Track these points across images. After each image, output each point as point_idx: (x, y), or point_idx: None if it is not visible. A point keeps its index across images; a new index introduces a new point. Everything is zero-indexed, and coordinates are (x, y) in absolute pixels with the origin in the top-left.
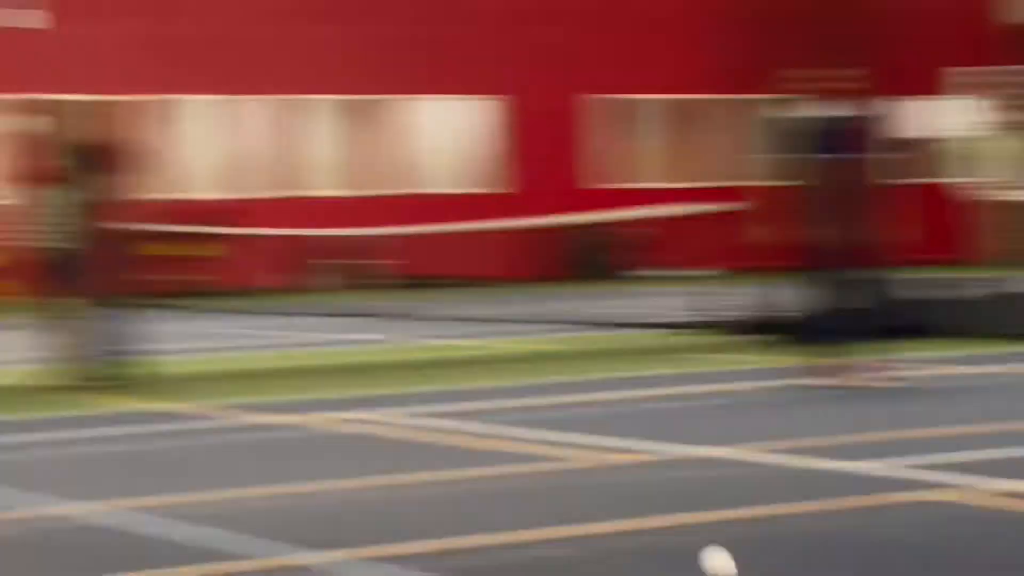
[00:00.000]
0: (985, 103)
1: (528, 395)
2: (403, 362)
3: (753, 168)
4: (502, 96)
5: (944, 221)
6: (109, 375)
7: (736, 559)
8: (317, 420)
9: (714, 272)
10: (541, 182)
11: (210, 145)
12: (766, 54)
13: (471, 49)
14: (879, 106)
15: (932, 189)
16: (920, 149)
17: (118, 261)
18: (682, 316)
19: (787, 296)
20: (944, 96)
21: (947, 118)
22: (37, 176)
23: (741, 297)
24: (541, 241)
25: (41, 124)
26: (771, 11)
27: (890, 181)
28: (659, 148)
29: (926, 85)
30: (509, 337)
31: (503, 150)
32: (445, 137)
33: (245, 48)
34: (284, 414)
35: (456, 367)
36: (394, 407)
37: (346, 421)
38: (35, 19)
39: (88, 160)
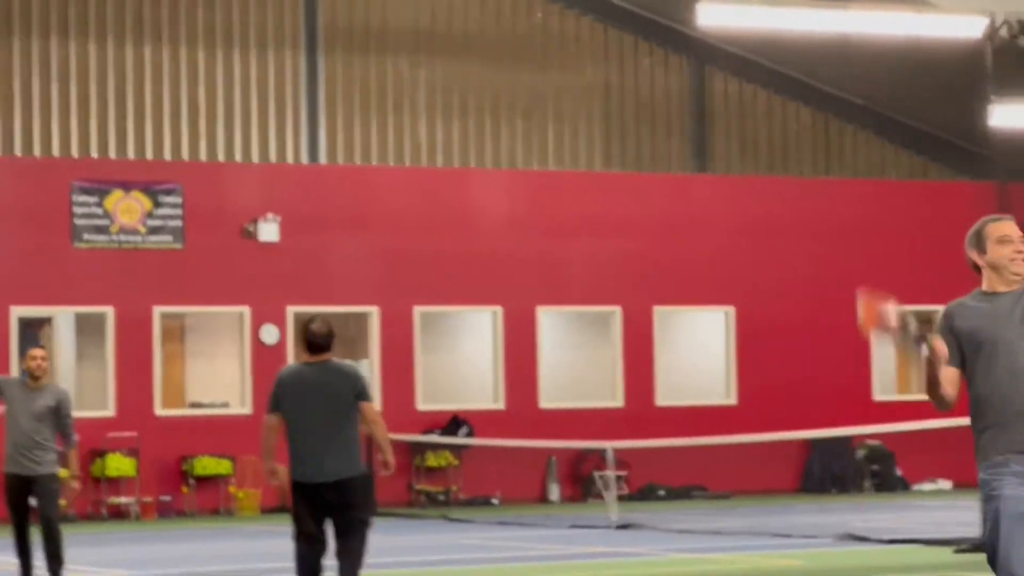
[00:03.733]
0: None
1: None
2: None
3: None
4: (740, 305)
5: None
6: None
7: None
8: None
9: (944, 485)
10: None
11: (437, 355)
12: None
13: (711, 259)
14: None
15: None
16: None
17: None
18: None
19: None
20: None
21: None
22: None
23: None
24: (779, 453)
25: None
26: None
27: None
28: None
29: None
30: (765, 551)
31: (738, 360)
32: (679, 348)
33: (471, 259)
34: None
35: None
36: None
37: None
38: (271, 232)
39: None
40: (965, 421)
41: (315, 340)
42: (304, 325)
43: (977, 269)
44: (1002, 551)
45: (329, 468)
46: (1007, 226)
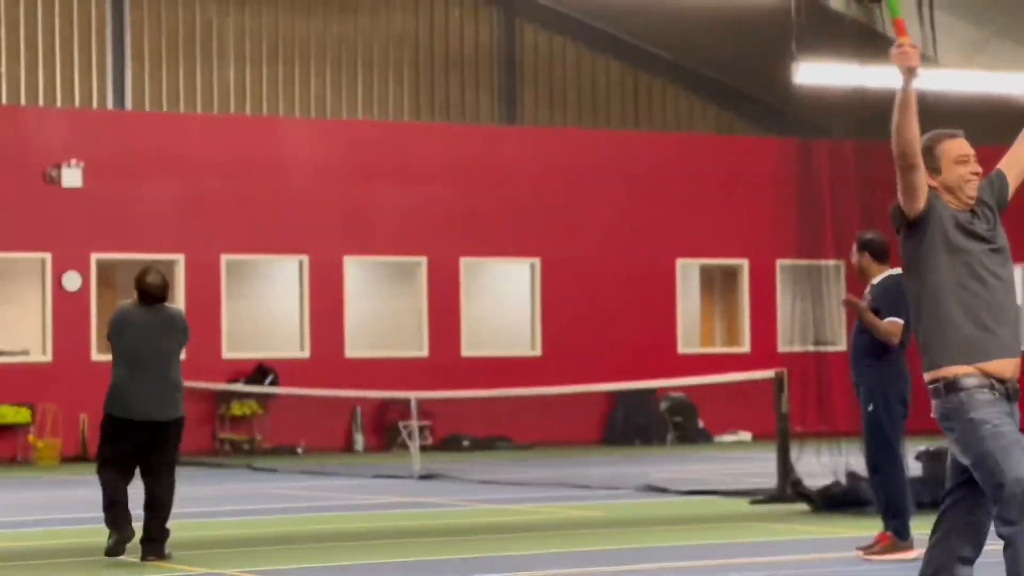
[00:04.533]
0: None
1: (589, 563)
2: (450, 527)
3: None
4: (547, 257)
5: None
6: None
7: None
8: None
9: (744, 437)
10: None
11: (243, 303)
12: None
13: (517, 210)
14: None
15: None
16: None
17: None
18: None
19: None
20: None
21: None
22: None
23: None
24: (583, 405)
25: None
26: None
27: None
28: (705, 312)
29: None
30: (564, 502)
31: (549, 312)
32: (485, 299)
33: (278, 208)
34: None
35: (510, 532)
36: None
37: None
38: (74, 177)
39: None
40: (765, 374)
41: (151, 292)
42: (139, 276)
43: None
44: (1003, 462)
45: (154, 407)
46: (963, 144)
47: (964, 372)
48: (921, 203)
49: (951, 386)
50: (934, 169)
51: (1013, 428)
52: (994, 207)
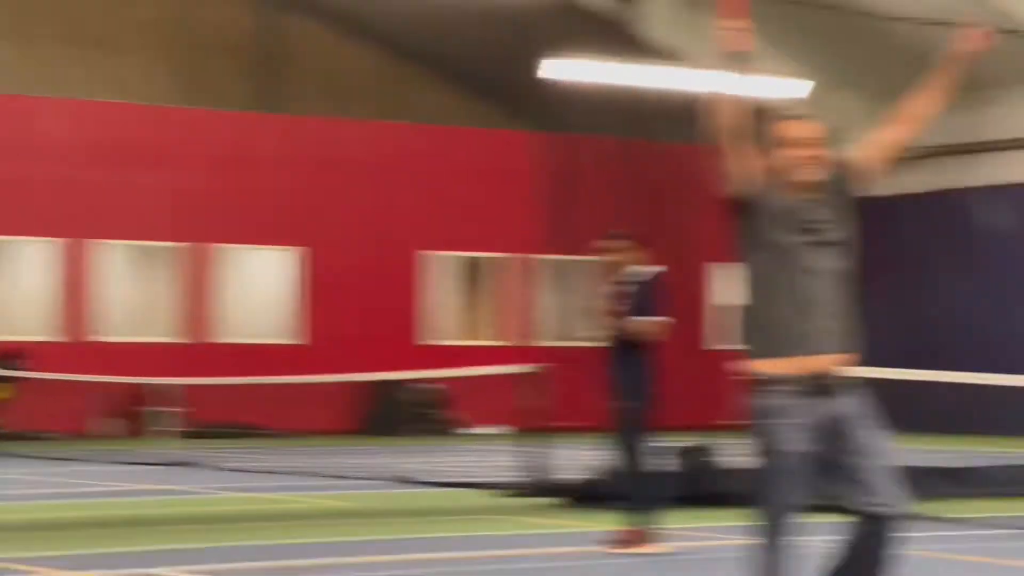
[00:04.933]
0: None
1: (335, 554)
2: (198, 515)
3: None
4: (304, 246)
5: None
6: None
7: None
8: None
9: (502, 430)
10: (336, 335)
11: None
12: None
13: (273, 198)
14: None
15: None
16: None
17: None
18: (494, 476)
19: (607, 459)
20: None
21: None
22: None
23: (564, 459)
24: (341, 395)
25: None
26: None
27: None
28: (459, 305)
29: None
30: (316, 492)
31: (303, 301)
32: (245, 286)
33: (32, 189)
34: (67, 570)
35: (259, 521)
36: (184, 564)
37: None
38: None
39: None
40: (521, 368)
41: None
42: None
43: None
44: (777, 498)
45: None
46: (799, 126)
47: (771, 367)
48: (737, 188)
49: (757, 381)
50: (767, 151)
51: (797, 443)
52: (842, 193)
